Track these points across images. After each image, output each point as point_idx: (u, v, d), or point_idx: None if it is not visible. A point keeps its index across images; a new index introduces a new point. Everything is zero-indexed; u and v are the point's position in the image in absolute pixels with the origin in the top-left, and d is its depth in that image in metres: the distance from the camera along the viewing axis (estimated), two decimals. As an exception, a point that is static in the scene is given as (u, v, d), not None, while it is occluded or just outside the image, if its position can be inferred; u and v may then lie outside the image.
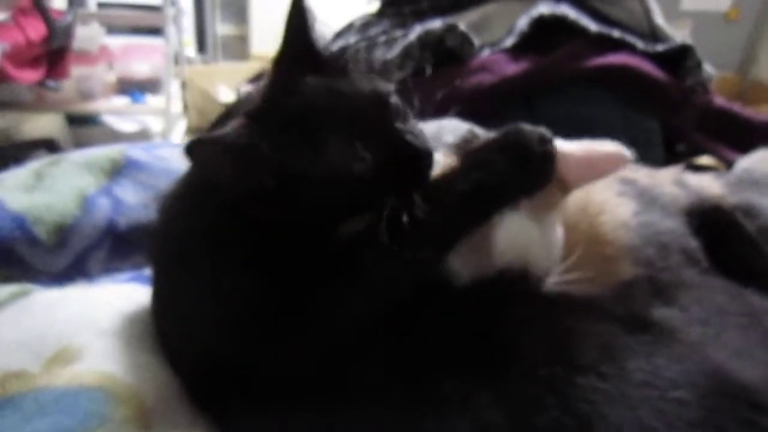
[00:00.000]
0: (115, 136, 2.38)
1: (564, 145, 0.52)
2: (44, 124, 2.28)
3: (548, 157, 0.49)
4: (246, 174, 0.45)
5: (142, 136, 2.42)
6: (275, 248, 0.48)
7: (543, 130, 0.49)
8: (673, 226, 0.63)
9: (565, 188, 0.52)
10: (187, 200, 0.55)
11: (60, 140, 2.24)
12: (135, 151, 0.84)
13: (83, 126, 2.41)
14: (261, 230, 0.49)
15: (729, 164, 0.95)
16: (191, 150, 0.44)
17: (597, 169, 0.52)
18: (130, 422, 0.46)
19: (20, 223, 0.66)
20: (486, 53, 1.04)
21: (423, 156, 0.47)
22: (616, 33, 1.01)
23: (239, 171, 0.45)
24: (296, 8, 0.49)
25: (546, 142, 0.49)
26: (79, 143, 2.25)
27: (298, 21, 0.49)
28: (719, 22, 2.85)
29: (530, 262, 0.51)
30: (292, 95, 0.47)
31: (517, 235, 0.50)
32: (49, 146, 2.09)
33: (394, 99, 0.49)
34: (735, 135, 0.99)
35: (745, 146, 0.93)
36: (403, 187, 0.47)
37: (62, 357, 0.52)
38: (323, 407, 0.46)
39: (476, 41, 1.05)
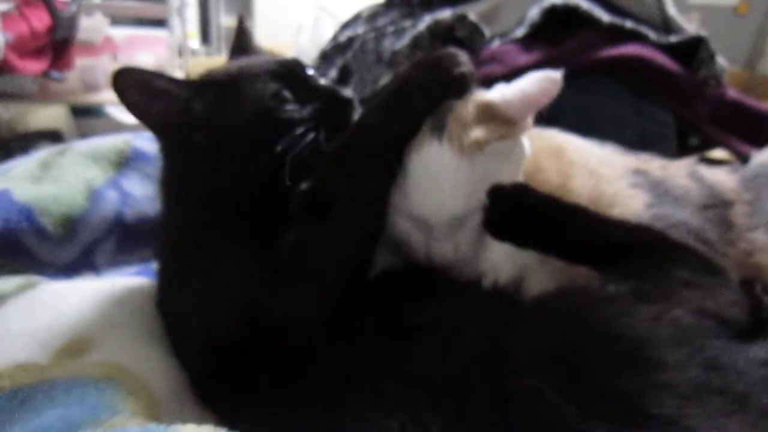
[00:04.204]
0: (120, 128, 2.36)
1: (500, 89, 0.55)
2: (49, 116, 2.27)
3: (450, 63, 0.54)
4: (174, 120, 0.53)
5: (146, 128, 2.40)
6: (257, 223, 0.52)
7: (455, 51, 0.55)
8: (686, 218, 0.62)
9: (511, 122, 0.53)
10: (173, 195, 0.59)
11: (64, 131, 2.23)
12: (141, 142, 0.83)
13: (88, 117, 2.40)
14: (238, 210, 0.53)
15: (742, 157, 0.93)
16: (117, 76, 0.51)
17: (533, 98, 0.52)
18: (140, 414, 0.46)
19: (27, 214, 0.65)
20: (496, 44, 1.02)
21: (340, 97, 0.57)
22: (628, 24, 0.99)
23: (165, 114, 0.53)
24: (240, 26, 0.67)
25: (454, 56, 0.54)
26: (84, 135, 2.24)
27: (241, 32, 0.67)
28: (728, 16, 2.82)
29: (446, 196, 0.52)
30: (222, 70, 0.58)
31: (435, 163, 0.52)
32: (54, 137, 2.09)
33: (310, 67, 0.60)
34: (748, 128, 0.98)
35: (759, 139, 0.92)
36: (329, 122, 0.55)
37: (71, 348, 0.52)
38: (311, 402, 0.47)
39: (486, 31, 1.03)
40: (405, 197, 0.53)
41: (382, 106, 0.54)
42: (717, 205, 0.66)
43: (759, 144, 0.89)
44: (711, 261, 0.51)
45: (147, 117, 0.54)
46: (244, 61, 0.61)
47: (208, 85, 0.56)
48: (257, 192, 0.53)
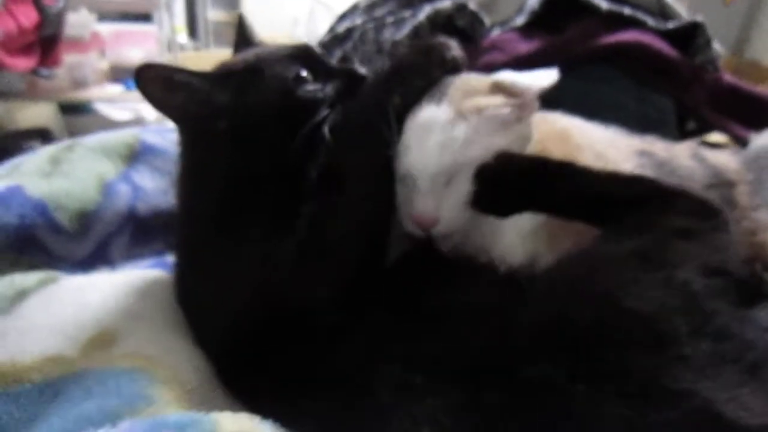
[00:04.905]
0: (109, 124, 2.34)
1: (507, 73, 0.57)
2: (37, 114, 2.23)
3: (442, 48, 0.57)
4: (196, 111, 0.54)
5: (136, 124, 2.38)
6: (277, 208, 0.53)
7: (446, 39, 0.58)
8: None
9: (516, 96, 0.54)
10: (189, 186, 0.59)
11: (53, 129, 2.20)
12: (149, 136, 0.83)
13: (76, 114, 2.36)
14: (256, 197, 0.53)
15: (740, 141, 0.95)
16: (139, 72, 0.52)
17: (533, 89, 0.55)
18: (175, 403, 0.46)
19: (42, 209, 0.64)
20: (496, 32, 1.03)
21: (358, 74, 0.58)
22: (626, 10, 1.00)
23: (187, 105, 0.54)
24: (240, 22, 0.69)
25: (445, 42, 0.58)
26: (73, 132, 2.21)
27: (242, 27, 0.68)
28: (716, 3, 2.86)
29: (434, 149, 0.52)
30: (238, 59, 0.60)
31: (427, 119, 0.53)
32: (43, 135, 2.06)
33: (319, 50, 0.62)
34: (745, 112, 0.99)
35: (756, 123, 0.94)
36: (342, 95, 0.57)
37: (99, 341, 0.52)
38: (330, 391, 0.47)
39: (486, 20, 1.04)
40: (397, 159, 0.54)
41: (380, 82, 0.56)
42: (721, 184, 0.67)
43: (756, 128, 0.90)
44: (705, 203, 0.50)
45: (170, 110, 0.55)
46: (257, 50, 0.61)
47: (228, 74, 0.57)
48: (279, 176, 0.54)
